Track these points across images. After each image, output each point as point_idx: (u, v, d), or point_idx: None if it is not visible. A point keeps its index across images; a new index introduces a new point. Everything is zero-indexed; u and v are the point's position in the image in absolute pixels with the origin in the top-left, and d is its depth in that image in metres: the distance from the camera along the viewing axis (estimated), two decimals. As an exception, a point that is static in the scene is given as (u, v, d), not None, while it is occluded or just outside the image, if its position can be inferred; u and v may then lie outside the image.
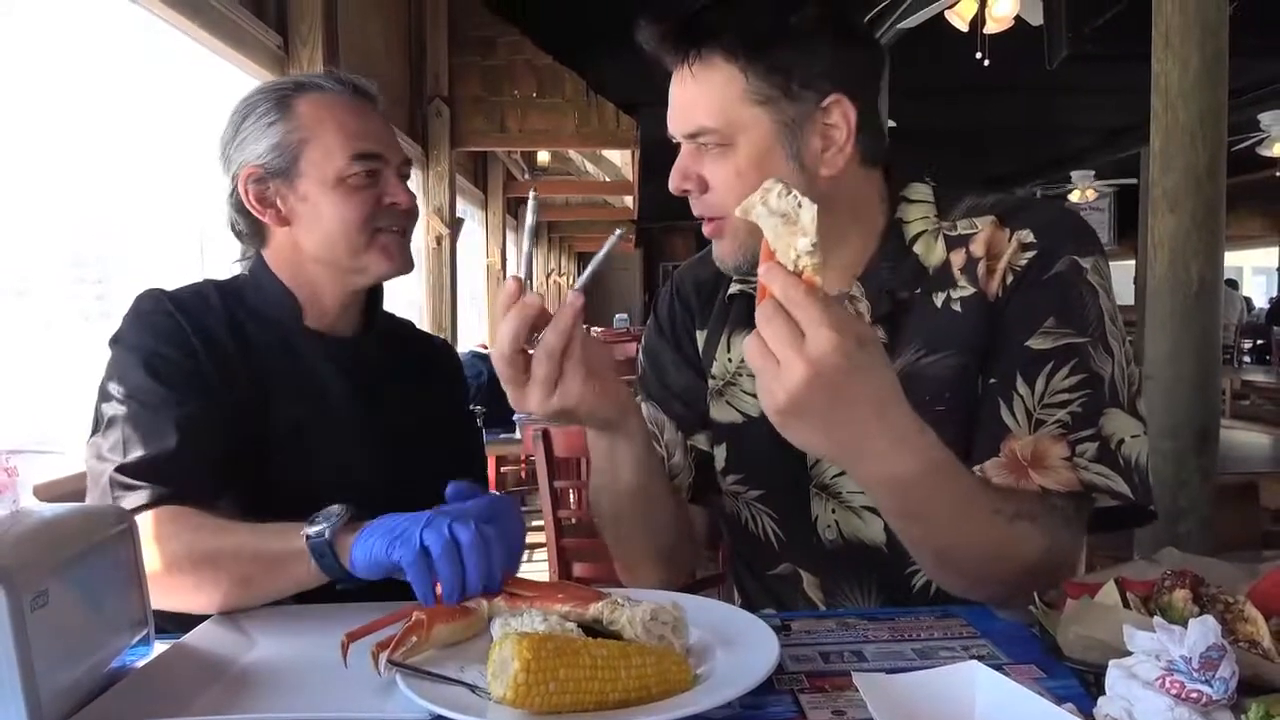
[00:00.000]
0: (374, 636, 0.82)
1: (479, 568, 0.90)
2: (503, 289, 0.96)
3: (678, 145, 1.09)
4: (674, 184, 1.08)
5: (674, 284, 1.34)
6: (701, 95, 1.03)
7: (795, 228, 0.79)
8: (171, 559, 1.01)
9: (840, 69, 1.04)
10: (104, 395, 1.16)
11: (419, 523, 0.92)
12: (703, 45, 1.02)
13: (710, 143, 1.04)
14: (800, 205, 0.79)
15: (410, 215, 1.30)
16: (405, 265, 1.30)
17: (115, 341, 1.20)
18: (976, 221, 1.10)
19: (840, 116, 1.04)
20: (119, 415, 1.13)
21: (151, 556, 0.99)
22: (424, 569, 0.90)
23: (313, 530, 0.97)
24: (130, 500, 1.07)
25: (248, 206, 1.25)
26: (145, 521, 1.04)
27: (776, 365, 0.79)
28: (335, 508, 0.99)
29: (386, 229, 1.26)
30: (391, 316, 1.44)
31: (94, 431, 1.16)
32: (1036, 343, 1.03)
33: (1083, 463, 1.00)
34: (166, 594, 0.99)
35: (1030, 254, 1.06)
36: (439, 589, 0.90)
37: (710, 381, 1.25)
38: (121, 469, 1.09)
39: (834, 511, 1.14)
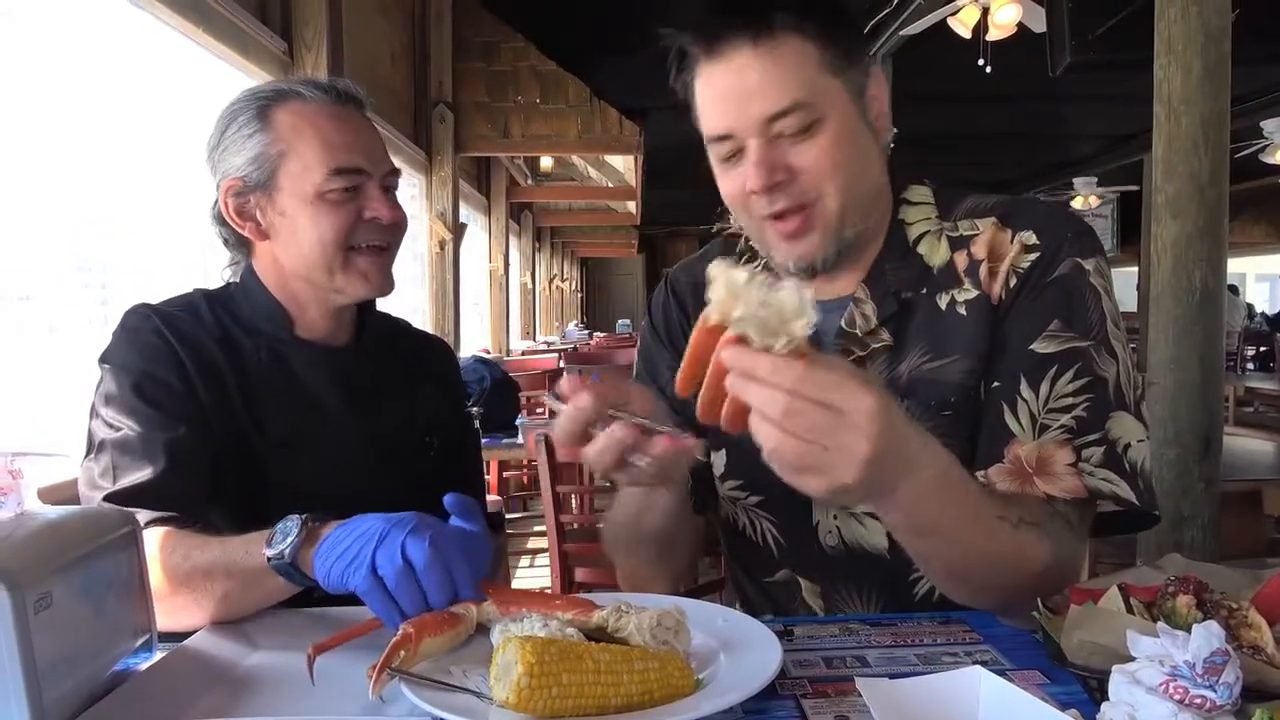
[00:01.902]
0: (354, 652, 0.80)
1: (441, 588, 0.87)
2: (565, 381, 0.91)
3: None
4: (763, 180, 1.00)
5: (669, 284, 1.30)
6: (779, 73, 0.99)
7: (785, 315, 0.70)
8: (156, 581, 0.99)
9: (866, 40, 1.07)
10: (94, 414, 1.16)
11: (372, 540, 0.88)
12: (774, 22, 0.99)
13: (794, 126, 0.99)
14: (783, 290, 0.70)
15: (394, 230, 1.24)
16: (384, 286, 1.25)
17: (104, 360, 1.18)
18: (978, 223, 1.09)
19: (878, 85, 1.07)
20: (108, 439, 1.12)
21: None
22: (381, 597, 0.87)
23: (272, 553, 0.94)
24: None
25: (228, 219, 1.22)
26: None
27: (825, 451, 0.74)
28: (291, 522, 0.95)
29: (365, 247, 1.22)
30: (386, 317, 1.41)
31: (87, 452, 1.15)
32: (1040, 346, 1.02)
33: (1088, 469, 0.99)
34: (159, 615, 0.97)
35: (1033, 255, 1.05)
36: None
37: None
38: (110, 498, 1.08)
39: (835, 517, 1.13)
